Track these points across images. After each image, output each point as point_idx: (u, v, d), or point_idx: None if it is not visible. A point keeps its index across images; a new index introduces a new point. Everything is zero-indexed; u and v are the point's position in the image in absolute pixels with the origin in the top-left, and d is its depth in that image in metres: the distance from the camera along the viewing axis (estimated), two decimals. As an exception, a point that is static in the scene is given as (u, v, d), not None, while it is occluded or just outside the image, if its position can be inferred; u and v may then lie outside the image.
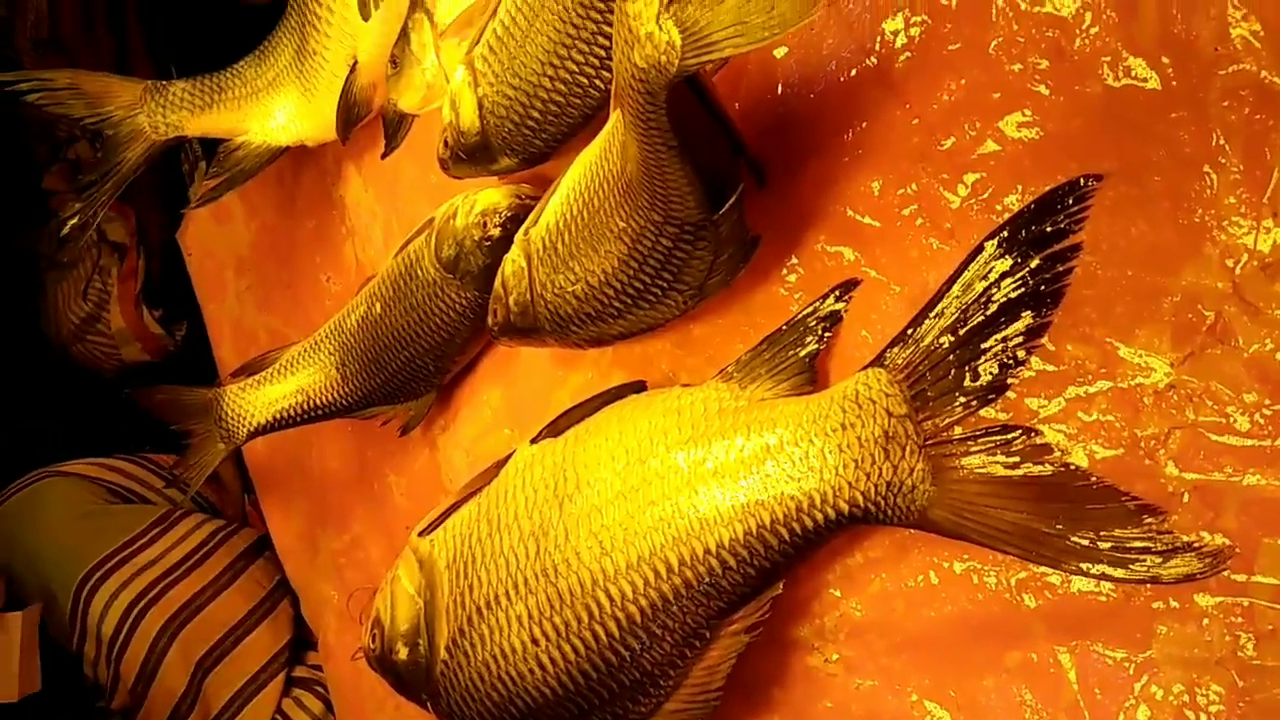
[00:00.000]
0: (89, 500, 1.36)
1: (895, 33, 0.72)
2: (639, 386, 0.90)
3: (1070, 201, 0.63)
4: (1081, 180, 0.63)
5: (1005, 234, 0.66)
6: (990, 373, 0.67)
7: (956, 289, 0.68)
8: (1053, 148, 0.64)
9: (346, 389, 1.15)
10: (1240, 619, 0.60)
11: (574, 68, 0.87)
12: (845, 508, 0.70)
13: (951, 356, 0.68)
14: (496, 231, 0.99)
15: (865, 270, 0.76)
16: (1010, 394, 0.66)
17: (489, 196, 1.01)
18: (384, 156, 1.15)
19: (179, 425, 1.18)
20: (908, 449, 0.69)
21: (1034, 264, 0.65)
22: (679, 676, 0.79)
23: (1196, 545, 0.58)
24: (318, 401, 1.17)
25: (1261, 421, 0.59)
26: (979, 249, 0.67)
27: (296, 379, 1.17)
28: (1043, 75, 0.64)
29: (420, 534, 0.93)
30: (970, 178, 0.69)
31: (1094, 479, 0.62)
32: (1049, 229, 0.64)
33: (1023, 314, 0.66)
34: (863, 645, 0.76)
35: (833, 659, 0.78)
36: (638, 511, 0.78)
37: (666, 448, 0.79)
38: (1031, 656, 0.67)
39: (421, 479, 1.22)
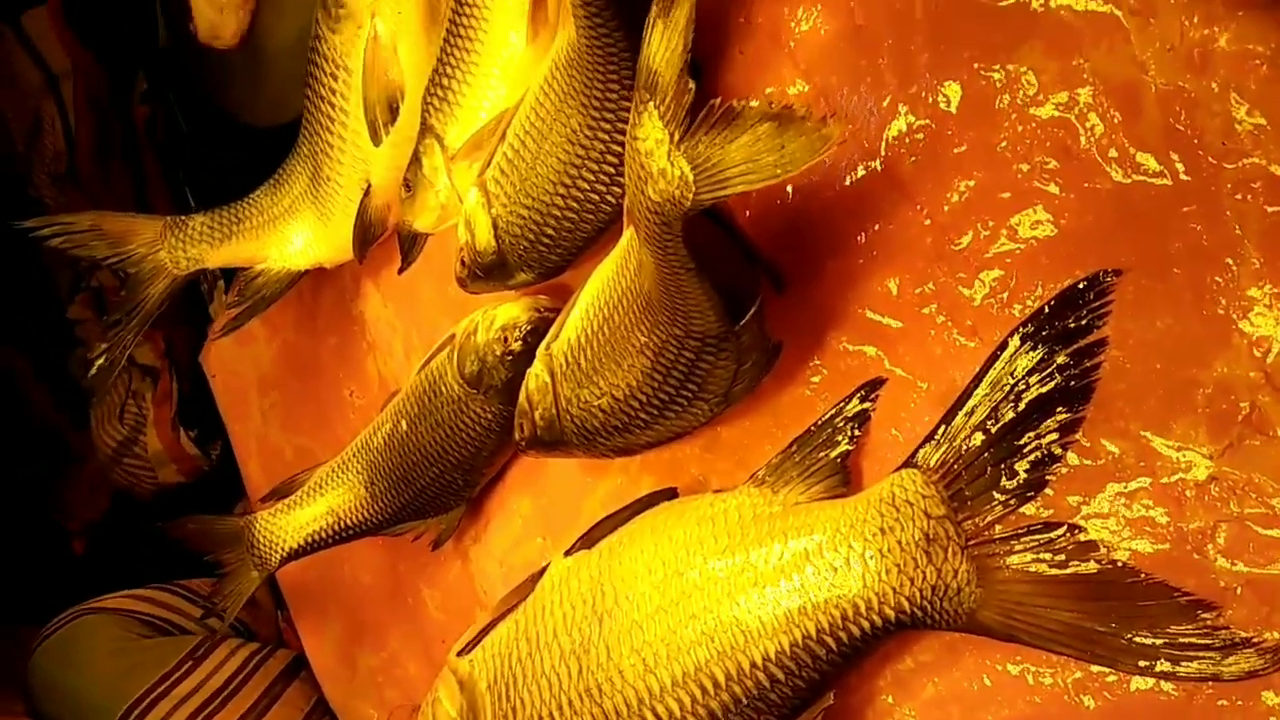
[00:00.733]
0: (125, 636, 1.36)
1: (900, 136, 0.73)
2: (670, 494, 0.89)
3: (1091, 296, 0.64)
4: (1101, 275, 0.63)
5: (1029, 330, 0.66)
6: (1027, 470, 0.67)
7: (985, 386, 0.68)
8: (1069, 244, 0.65)
9: (376, 507, 1.15)
10: (1310, 714, 0.58)
11: (585, 186, 0.89)
12: (891, 614, 0.69)
13: (986, 454, 0.68)
14: (518, 346, 1.00)
15: (890, 369, 0.76)
16: (1049, 491, 0.66)
17: (508, 311, 1.02)
18: (400, 272, 1.17)
19: (212, 556, 1.18)
20: (950, 550, 0.69)
21: (1061, 360, 0.65)
22: (734, 796, 0.77)
23: (1255, 641, 0.57)
24: (348, 522, 1.17)
25: (1309, 510, 0.58)
26: (1004, 346, 0.67)
27: (326, 500, 1.17)
28: (1051, 174, 0.65)
29: (459, 653, 0.92)
30: (988, 275, 0.69)
31: (1143, 575, 0.61)
32: (1073, 324, 0.64)
33: (1054, 410, 0.65)
34: (921, 752, 0.74)
35: (891, 768, 0.76)
36: (679, 626, 0.77)
37: (704, 558, 0.78)
38: (1097, 759, 0.65)
39: (456, 592, 1.21)
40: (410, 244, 1.14)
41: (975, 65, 0.68)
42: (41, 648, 1.39)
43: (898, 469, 0.72)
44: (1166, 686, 0.62)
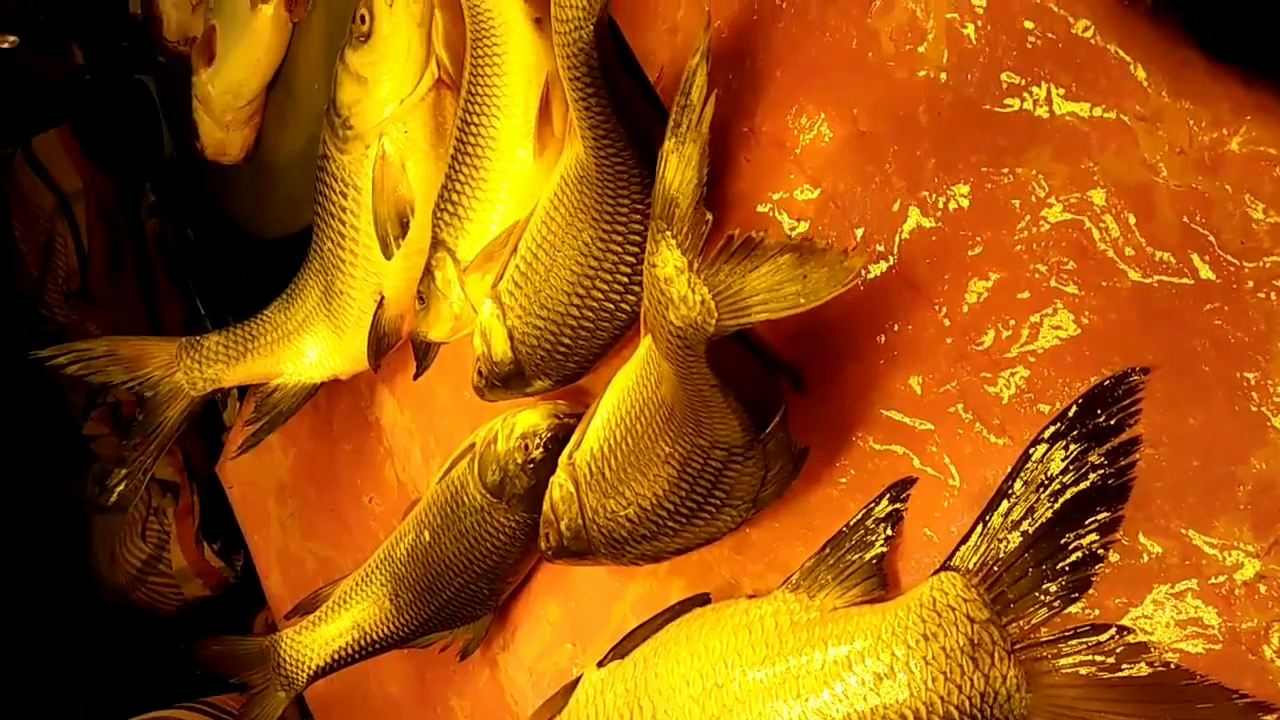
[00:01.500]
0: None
1: (912, 238, 0.74)
2: (703, 599, 0.88)
3: (1120, 394, 0.64)
4: (1128, 373, 0.63)
5: (1060, 429, 0.66)
6: (1069, 570, 0.66)
7: (1019, 486, 0.67)
8: (1092, 342, 0.65)
9: (402, 620, 1.14)
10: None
11: (600, 295, 0.90)
12: (941, 724, 0.68)
13: (1026, 555, 0.67)
14: (539, 454, 1.00)
15: (920, 468, 0.75)
16: (1093, 591, 0.65)
17: (527, 419, 1.02)
18: (415, 378, 1.17)
19: (237, 678, 1.16)
20: (997, 656, 0.67)
21: (1094, 458, 0.65)
22: None
23: (1323, 743, 0.55)
24: (374, 636, 1.15)
25: (1362, 604, 0.57)
26: (1035, 444, 0.67)
27: (351, 615, 1.16)
28: (1070, 274, 0.65)
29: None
30: (1013, 374, 0.69)
31: (1198, 677, 0.60)
32: (1103, 422, 0.64)
33: (1093, 509, 0.65)
34: None
35: None
36: (722, 742, 0.75)
37: (743, 669, 0.77)
38: None
39: (485, 701, 1.19)
40: (424, 351, 1.15)
41: (984, 169, 0.69)
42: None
43: (936, 572, 0.71)
44: (1232, 792, 0.61)
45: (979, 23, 0.68)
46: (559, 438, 0.99)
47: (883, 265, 0.76)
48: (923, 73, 0.72)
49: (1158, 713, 0.62)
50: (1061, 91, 0.64)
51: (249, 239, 1.75)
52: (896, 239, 0.75)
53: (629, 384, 0.84)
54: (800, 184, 0.81)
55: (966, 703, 0.67)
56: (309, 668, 1.15)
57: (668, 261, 0.61)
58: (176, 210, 2.03)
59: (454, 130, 1.00)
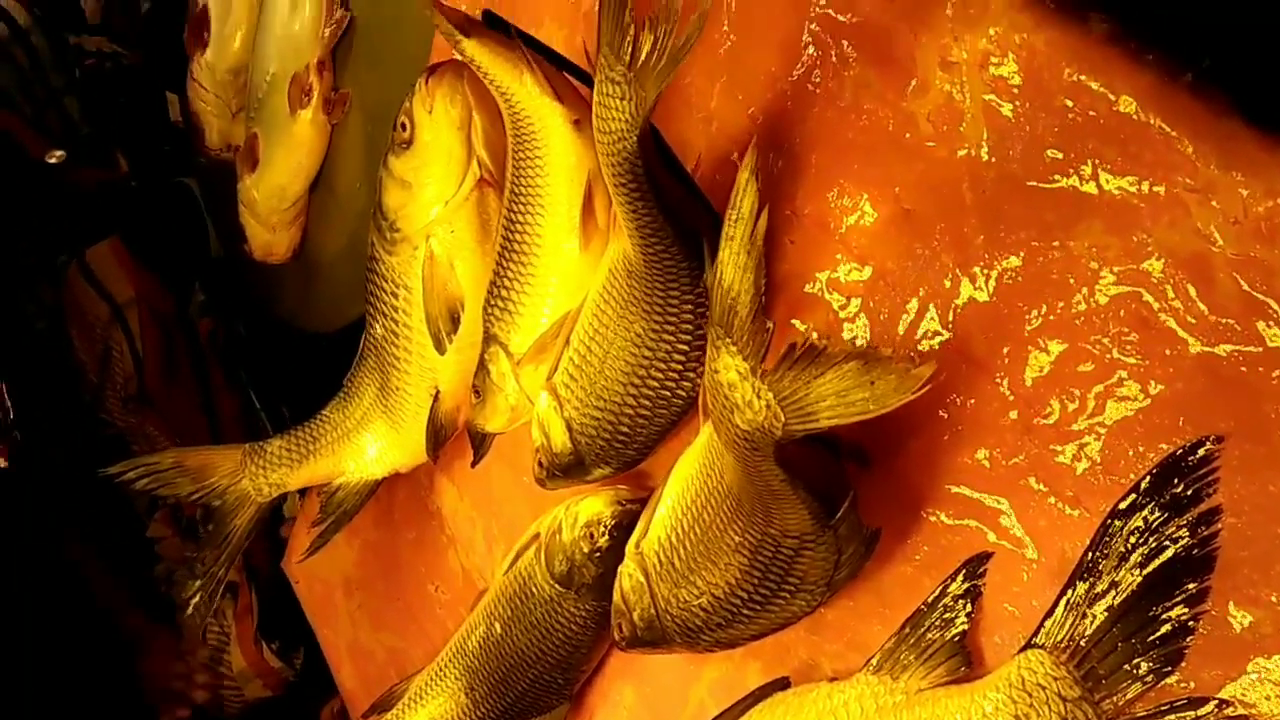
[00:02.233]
0: None
1: (966, 313, 0.74)
2: (783, 683, 0.88)
3: (1195, 464, 0.63)
4: (1201, 442, 0.63)
5: (1136, 501, 0.65)
6: (1159, 643, 0.65)
7: (1100, 559, 0.67)
8: (1162, 412, 0.64)
9: (479, 714, 1.14)
10: None
11: (655, 384, 0.91)
12: (1042, 809, 0.66)
13: (1114, 630, 0.66)
14: (605, 542, 1.00)
15: (996, 543, 0.75)
16: (1185, 664, 0.64)
17: (590, 507, 1.03)
18: (474, 465, 1.19)
19: (320, 781, 1.17)
20: (1092, 735, 0.66)
21: (1175, 529, 0.64)
22: None
23: None
24: (452, 731, 1.15)
25: None
26: (1112, 517, 0.66)
27: (427, 710, 1.16)
28: (1132, 345, 0.65)
29: None
30: (1082, 445, 0.69)
31: (1308, 751, 0.59)
32: (1182, 493, 0.64)
33: (1178, 580, 0.64)
34: None
35: None
36: (817, 835, 0.74)
37: (832, 757, 0.76)
38: None
39: (566, 788, 1.18)
40: (481, 440, 1.17)
41: (1034, 243, 0.69)
42: None
43: (1023, 649, 0.70)
44: None
45: (1016, 102, 0.69)
46: (623, 524, 0.99)
47: (939, 340, 0.76)
48: (963, 151, 0.73)
49: (1268, 789, 0.60)
50: (1108, 167, 0.64)
51: (298, 333, 1.80)
52: (951, 314, 0.75)
53: (692, 473, 0.84)
54: (847, 263, 0.82)
55: (1065, 784, 0.66)
56: (390, 767, 1.16)
57: (729, 367, 0.61)
58: (226, 307, 2.08)
59: (500, 228, 1.03)
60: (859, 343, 0.81)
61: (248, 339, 2.01)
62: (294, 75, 1.44)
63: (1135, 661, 0.65)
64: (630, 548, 0.92)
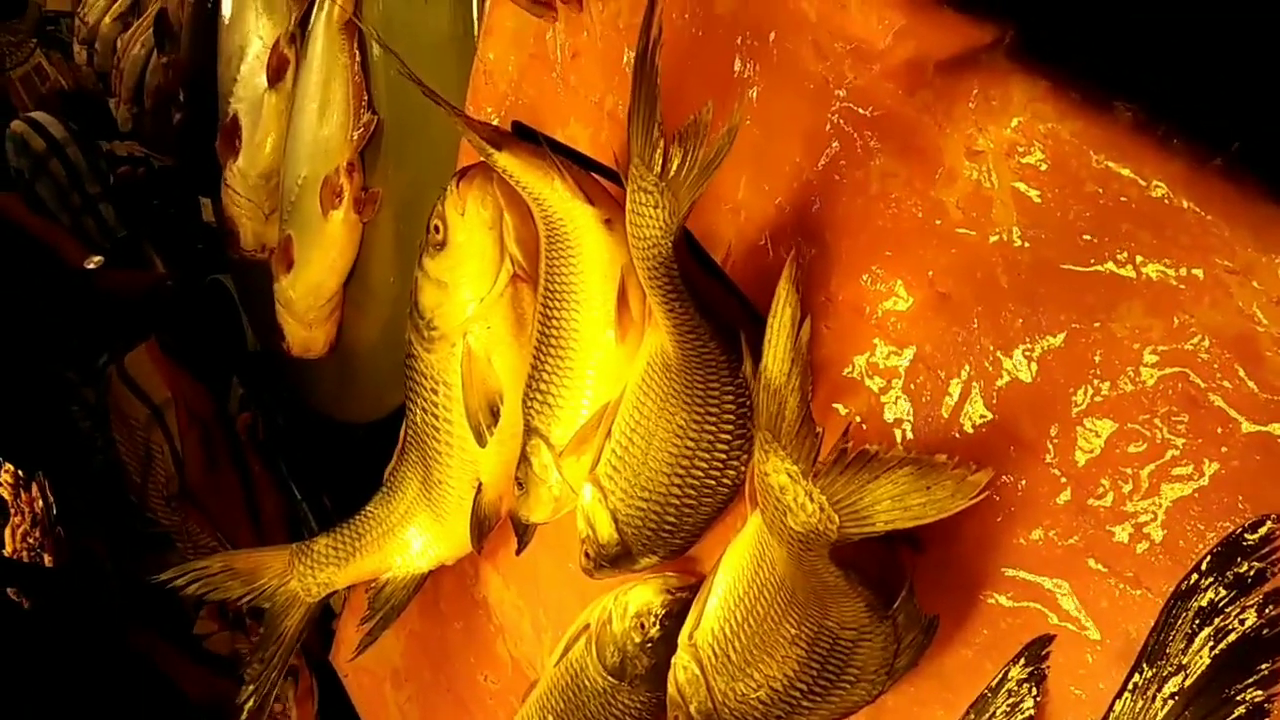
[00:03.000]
0: None
1: (1010, 395, 0.74)
2: (847, 773, 0.86)
3: (1257, 542, 0.62)
4: (1262, 520, 0.62)
5: (1198, 582, 0.64)
6: (1236, 727, 0.63)
7: (1166, 641, 0.66)
8: (1219, 490, 0.64)
9: (537, 809, 1.12)
10: None
11: (700, 474, 0.91)
12: None
13: (1186, 713, 0.65)
14: (656, 632, 1.00)
15: (1059, 625, 0.74)
16: (1266, 749, 0.62)
17: (640, 596, 1.02)
18: (518, 553, 1.19)
19: None
20: (1172, 824, 0.64)
21: (1242, 609, 0.63)
22: None
23: None
24: (511, 828, 1.14)
25: None
26: (1175, 598, 0.65)
27: (485, 808, 1.15)
28: (1183, 424, 0.65)
29: None
30: (1139, 526, 0.68)
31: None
32: (1245, 572, 0.63)
33: (1250, 661, 0.63)
34: None
35: None
36: None
37: None
38: None
39: None
40: (524, 529, 1.17)
41: (1074, 325, 0.70)
42: None
43: (1094, 736, 0.69)
44: None
45: (1045, 189, 0.70)
46: (673, 613, 0.99)
47: (984, 422, 0.76)
48: (995, 237, 0.74)
49: None
50: (1144, 251, 0.65)
51: (336, 424, 1.82)
52: (995, 396, 0.75)
53: (744, 563, 0.84)
54: (885, 347, 0.82)
55: None
56: None
57: (779, 470, 0.62)
58: (264, 400, 2.11)
59: (536, 322, 1.04)
60: (904, 426, 0.81)
61: (286, 431, 2.03)
62: (325, 178, 1.49)
63: (1211, 746, 0.64)
64: (683, 639, 0.92)
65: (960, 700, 0.78)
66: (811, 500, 0.60)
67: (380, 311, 1.60)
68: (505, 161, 0.92)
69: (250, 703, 1.17)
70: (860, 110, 0.82)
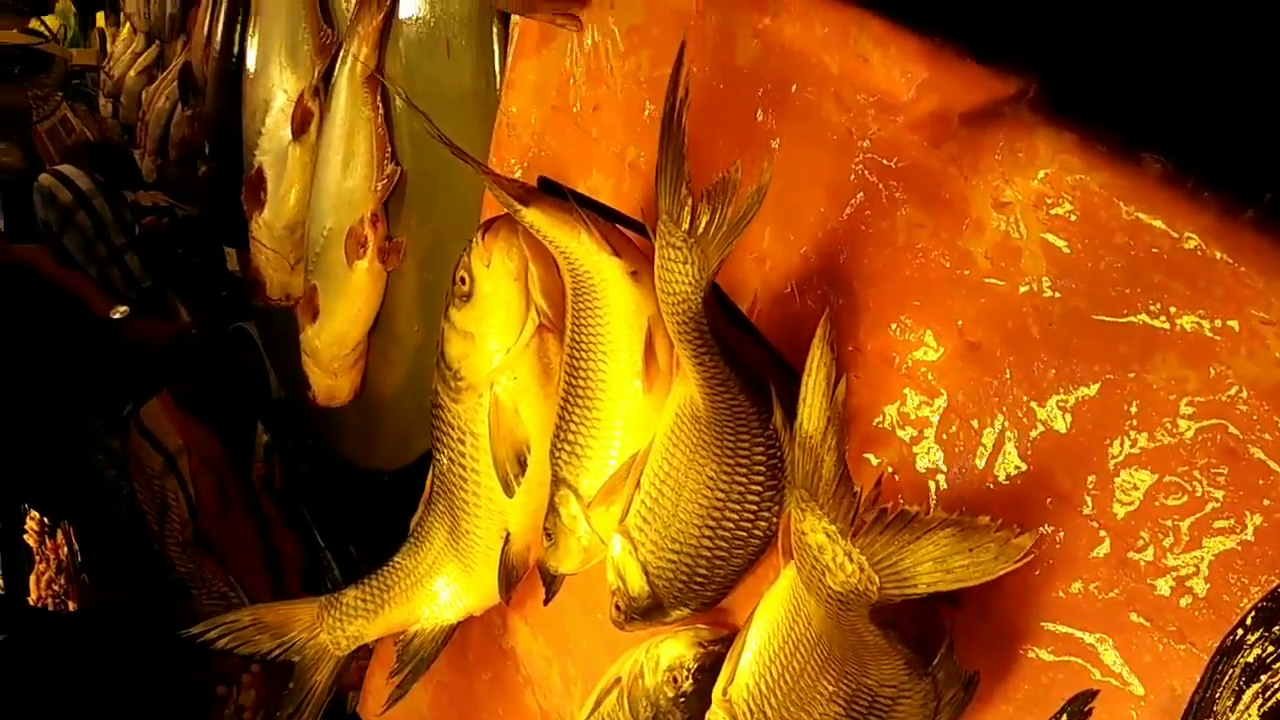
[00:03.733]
0: None
1: (1044, 445, 0.74)
2: (887, 831, 0.84)
3: (1306, 597, 0.61)
4: (1310, 574, 0.61)
5: (1244, 637, 0.63)
6: (1290, 787, 0.62)
7: (1213, 697, 0.64)
8: (1263, 544, 0.63)
9: None
10: None
11: (731, 525, 0.91)
12: None
13: (1237, 771, 0.64)
14: (689, 686, 0.99)
15: (1101, 680, 0.72)
16: (1323, 809, 0.61)
17: (671, 649, 1.01)
18: (546, 603, 1.18)
19: None
20: None
21: (1291, 665, 0.62)
22: None
23: None
24: None
25: None
26: (1221, 653, 0.64)
27: None
28: (1223, 476, 0.64)
29: None
30: (1181, 579, 0.67)
31: None
32: (1293, 627, 0.62)
33: (1302, 719, 0.62)
34: None
35: None
36: None
37: None
38: None
39: None
40: (552, 579, 1.16)
41: (1108, 376, 0.69)
42: None
43: (1143, 795, 0.67)
44: None
45: (1074, 240, 0.70)
46: (706, 667, 0.98)
47: (1019, 473, 0.75)
48: (1025, 287, 0.74)
49: None
50: (1177, 302, 0.64)
51: (360, 472, 1.82)
52: (1029, 447, 0.75)
53: (779, 618, 0.83)
54: (916, 397, 0.82)
55: None
56: None
57: (816, 529, 0.61)
58: (288, 447, 2.12)
59: (563, 373, 1.05)
60: (938, 476, 0.81)
61: (310, 478, 2.04)
62: (350, 229, 1.50)
63: (1266, 806, 0.62)
64: (717, 694, 0.91)
65: (1003, 756, 0.77)
66: (851, 560, 0.60)
67: (404, 360, 1.61)
68: (532, 217, 0.92)
69: (281, 758, 1.17)
70: (885, 161, 0.82)
